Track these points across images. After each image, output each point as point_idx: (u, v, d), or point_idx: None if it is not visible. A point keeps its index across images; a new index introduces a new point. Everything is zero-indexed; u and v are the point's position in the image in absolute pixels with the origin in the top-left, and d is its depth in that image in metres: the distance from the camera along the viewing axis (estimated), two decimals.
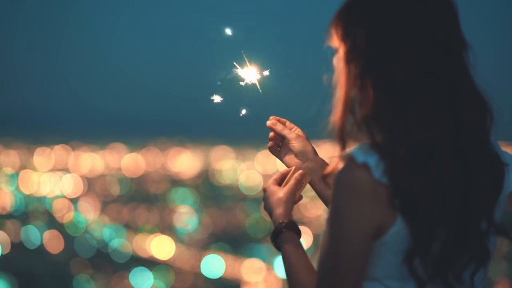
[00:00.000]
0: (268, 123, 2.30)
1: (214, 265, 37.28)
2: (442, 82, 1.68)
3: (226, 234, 41.83)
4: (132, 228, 43.37)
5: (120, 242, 41.07)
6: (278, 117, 2.31)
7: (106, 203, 46.94)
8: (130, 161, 54.07)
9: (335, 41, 1.76)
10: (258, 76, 2.32)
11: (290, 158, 2.27)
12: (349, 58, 1.72)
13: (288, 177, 2.16)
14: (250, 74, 2.32)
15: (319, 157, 2.24)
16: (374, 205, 1.64)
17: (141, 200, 47.44)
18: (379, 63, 1.68)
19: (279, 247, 1.99)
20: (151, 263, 38.27)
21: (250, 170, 48.42)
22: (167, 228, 43.64)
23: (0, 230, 41.99)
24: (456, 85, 1.69)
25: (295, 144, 2.25)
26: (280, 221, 2.03)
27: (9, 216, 45.12)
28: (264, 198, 2.13)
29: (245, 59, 2.31)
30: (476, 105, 1.71)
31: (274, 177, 2.17)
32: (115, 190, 49.73)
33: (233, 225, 43.16)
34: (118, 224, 43.99)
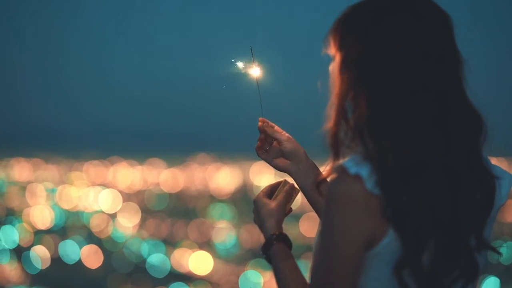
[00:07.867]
0: (260, 124, 2.27)
1: (252, 281, 37.07)
2: (432, 97, 1.68)
3: None
4: (170, 243, 43.44)
5: (158, 257, 41.10)
6: (267, 120, 2.28)
7: (145, 218, 47.19)
8: (168, 176, 54.36)
9: (332, 49, 1.78)
10: (260, 74, 2.27)
11: (280, 161, 2.25)
12: (344, 67, 1.74)
13: (278, 190, 2.14)
14: (254, 71, 2.28)
15: (310, 160, 2.22)
16: (366, 216, 1.64)
17: (179, 215, 47.62)
18: (370, 75, 1.69)
19: (270, 259, 1.99)
20: (189, 279, 38.24)
21: None
22: (206, 244, 43.65)
23: (39, 244, 42.33)
24: (447, 100, 1.69)
25: (287, 145, 2.23)
26: (271, 233, 2.01)
27: (48, 231, 45.55)
28: (255, 211, 2.12)
29: (252, 54, 2.27)
30: (467, 121, 1.71)
31: (263, 189, 2.15)
32: (154, 205, 49.97)
33: None
34: (156, 239, 44.13)
